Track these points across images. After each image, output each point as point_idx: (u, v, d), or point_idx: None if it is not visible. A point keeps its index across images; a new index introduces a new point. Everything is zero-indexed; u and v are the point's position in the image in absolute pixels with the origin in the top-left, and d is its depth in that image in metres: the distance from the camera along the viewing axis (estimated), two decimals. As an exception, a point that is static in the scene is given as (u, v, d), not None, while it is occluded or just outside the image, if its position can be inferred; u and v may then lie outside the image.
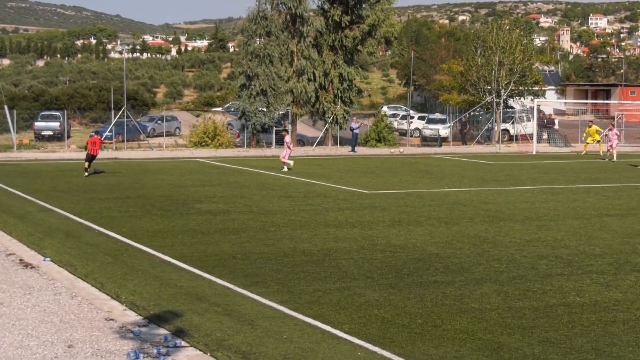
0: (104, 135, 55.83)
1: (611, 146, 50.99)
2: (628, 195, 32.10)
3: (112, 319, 13.65)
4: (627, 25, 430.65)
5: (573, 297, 15.58)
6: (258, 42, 58.13)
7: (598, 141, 54.88)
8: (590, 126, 56.19)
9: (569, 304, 15.05)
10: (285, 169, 40.85)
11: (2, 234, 21.72)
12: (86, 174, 37.23)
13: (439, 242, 20.92)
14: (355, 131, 57.04)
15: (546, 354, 12.17)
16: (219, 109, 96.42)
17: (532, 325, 13.57)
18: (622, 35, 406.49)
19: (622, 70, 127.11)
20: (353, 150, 56.36)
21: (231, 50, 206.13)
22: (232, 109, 79.66)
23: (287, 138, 42.20)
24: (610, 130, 52.53)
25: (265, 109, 57.93)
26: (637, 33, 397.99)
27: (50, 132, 64.68)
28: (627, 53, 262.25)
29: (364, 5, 61.91)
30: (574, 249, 20.37)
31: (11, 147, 55.22)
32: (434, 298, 15.26)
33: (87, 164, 37.86)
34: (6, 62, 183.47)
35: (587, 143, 55.65)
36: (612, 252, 20.07)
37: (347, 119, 61.70)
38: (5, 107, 57.95)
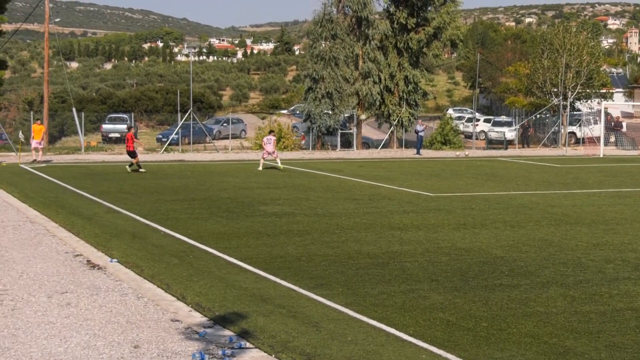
0: (170, 137, 56.33)
1: None
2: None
3: (178, 320, 13.75)
4: None
5: (641, 301, 15.39)
6: (324, 45, 58.27)
7: None
8: None
9: (637, 308, 14.86)
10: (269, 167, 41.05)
11: (70, 235, 22.00)
12: (129, 169, 39.97)
13: (504, 246, 20.78)
14: (420, 134, 56.89)
15: (613, 358, 12.03)
16: (285, 111, 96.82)
17: (598, 330, 13.42)
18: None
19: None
20: (418, 152, 56.22)
21: (297, 53, 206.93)
22: (298, 112, 79.98)
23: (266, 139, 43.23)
24: None
25: (330, 112, 58.02)
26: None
27: (118, 135, 65.44)
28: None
29: (429, 8, 61.77)
30: (642, 253, 20.13)
31: (79, 149, 55.97)
32: (499, 301, 15.16)
33: (134, 160, 40.21)
34: (75, 65, 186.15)
35: None
36: (679, 256, 19.78)
37: (413, 122, 61.58)
38: (74, 109, 58.76)
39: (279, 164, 42.40)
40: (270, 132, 45.51)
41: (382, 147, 61.27)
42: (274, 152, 42.73)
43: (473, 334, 13.07)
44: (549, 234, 22.60)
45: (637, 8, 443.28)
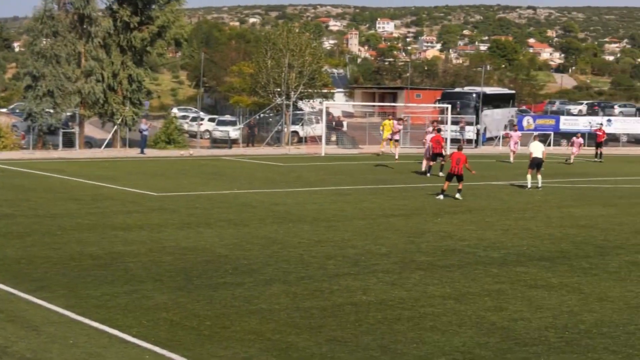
0: None
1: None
2: (412, 195, 33.07)
3: None
4: (413, 29, 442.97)
5: (360, 296, 15.96)
6: (45, 42, 56.69)
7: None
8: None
9: (356, 302, 15.41)
10: None
11: None
12: None
13: (228, 244, 21.00)
14: (144, 133, 56.42)
15: (333, 352, 12.42)
16: (4, 110, 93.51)
17: (320, 325, 13.82)
18: (408, 39, 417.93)
19: (408, 74, 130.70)
20: (142, 152, 55.73)
21: (17, 50, 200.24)
22: (18, 110, 77.47)
23: None
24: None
25: (52, 110, 56.56)
26: (422, 38, 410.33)
27: None
28: (413, 57, 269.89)
29: (153, 7, 61.30)
30: (360, 248, 20.86)
31: None
32: (223, 300, 15.32)
33: None
34: None
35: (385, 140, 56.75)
36: (397, 251, 20.67)
37: (137, 121, 60.96)
38: None
39: None
40: None
41: (106, 147, 60.37)
42: None
43: (197, 333, 13.14)
44: (272, 232, 23.02)
45: (357, 10, 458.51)
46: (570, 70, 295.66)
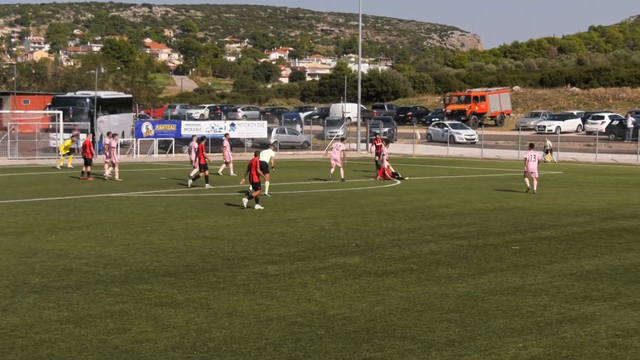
0: None
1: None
2: (24, 211, 32.33)
3: None
4: (18, 29, 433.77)
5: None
6: None
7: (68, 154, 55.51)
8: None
9: None
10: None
11: None
12: None
13: None
14: None
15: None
16: None
17: None
18: (12, 39, 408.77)
19: (14, 78, 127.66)
20: None
21: None
22: None
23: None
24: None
25: None
26: (28, 38, 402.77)
27: None
28: (19, 59, 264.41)
29: None
30: (-34, 273, 20.14)
31: None
32: None
33: None
34: None
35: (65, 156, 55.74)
36: (8, 273, 20.14)
37: None
38: None
39: None
40: None
41: None
42: None
43: None
44: None
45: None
46: (190, 72, 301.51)
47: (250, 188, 34.59)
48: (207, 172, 43.39)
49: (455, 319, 16.30)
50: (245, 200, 33.99)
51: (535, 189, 41.58)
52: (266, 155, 38.96)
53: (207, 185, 42.84)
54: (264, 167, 36.65)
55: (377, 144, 52.31)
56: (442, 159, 72.01)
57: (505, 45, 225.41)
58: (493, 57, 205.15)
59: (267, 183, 37.90)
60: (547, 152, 68.03)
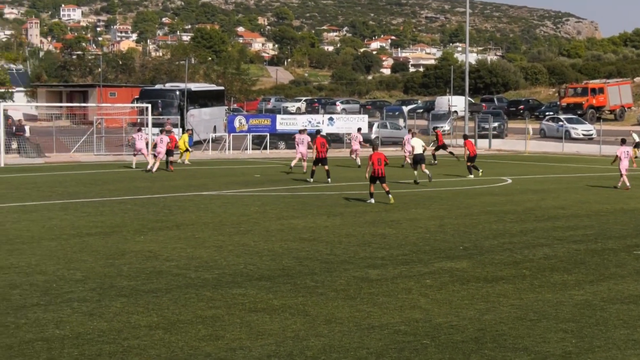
0: None
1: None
2: (111, 210, 32.76)
3: None
4: (103, 17, 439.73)
5: (52, 330, 15.68)
6: None
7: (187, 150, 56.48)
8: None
9: (48, 338, 15.13)
10: None
11: None
12: None
13: None
14: None
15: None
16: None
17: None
18: (98, 29, 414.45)
19: (100, 69, 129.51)
20: None
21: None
22: None
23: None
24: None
25: None
26: (114, 27, 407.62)
27: None
28: (104, 49, 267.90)
29: None
30: (51, 274, 20.49)
31: None
32: None
33: None
34: None
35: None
36: (94, 276, 20.43)
37: None
38: None
39: None
40: None
41: None
42: None
43: None
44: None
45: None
46: (285, 63, 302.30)
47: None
48: (326, 167, 44.04)
49: (572, 329, 16.17)
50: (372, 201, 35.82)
51: (619, 185, 41.77)
52: (418, 144, 44.11)
53: (329, 180, 43.50)
54: (420, 159, 43.21)
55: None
56: (556, 156, 71.27)
57: (626, 32, 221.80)
58: (612, 45, 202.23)
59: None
60: (635, 147, 66.86)
